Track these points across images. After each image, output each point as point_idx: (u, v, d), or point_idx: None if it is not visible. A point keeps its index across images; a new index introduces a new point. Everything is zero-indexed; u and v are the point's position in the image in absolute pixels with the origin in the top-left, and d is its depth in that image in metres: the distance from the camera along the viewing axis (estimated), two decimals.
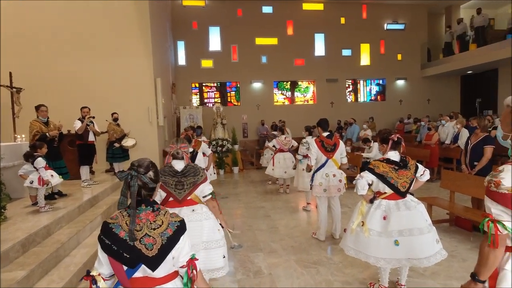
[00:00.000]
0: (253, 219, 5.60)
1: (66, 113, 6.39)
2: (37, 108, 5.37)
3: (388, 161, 2.90)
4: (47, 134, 5.15)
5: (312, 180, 4.45)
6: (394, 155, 2.92)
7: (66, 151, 6.34)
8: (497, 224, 1.37)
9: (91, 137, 5.87)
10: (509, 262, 1.42)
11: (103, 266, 1.49)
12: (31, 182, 4.15)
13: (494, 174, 1.42)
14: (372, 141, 7.83)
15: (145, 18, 8.25)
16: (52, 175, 4.37)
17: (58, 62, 7.77)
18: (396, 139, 2.93)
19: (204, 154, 5.50)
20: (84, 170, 5.79)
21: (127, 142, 7.05)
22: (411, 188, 2.93)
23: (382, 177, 2.85)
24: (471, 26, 13.42)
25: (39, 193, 4.20)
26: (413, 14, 15.45)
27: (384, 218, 2.84)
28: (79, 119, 5.75)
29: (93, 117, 5.86)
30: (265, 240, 4.60)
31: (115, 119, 7.23)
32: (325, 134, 4.41)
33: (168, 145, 2.98)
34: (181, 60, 14.15)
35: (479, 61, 12.41)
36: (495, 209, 1.40)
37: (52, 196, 4.75)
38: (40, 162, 4.24)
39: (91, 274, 1.48)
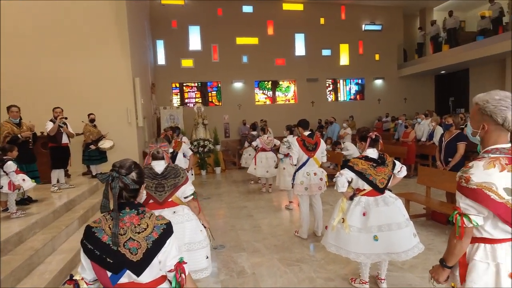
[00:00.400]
0: (236, 219, 5.58)
1: (41, 115, 6.09)
2: (8, 108, 5.12)
3: (367, 158, 2.96)
4: (19, 135, 4.93)
5: (293, 179, 4.49)
6: (372, 153, 2.99)
7: (39, 153, 6.07)
8: (463, 218, 1.45)
9: (64, 139, 5.64)
10: (478, 253, 1.49)
11: (86, 271, 1.44)
12: (1, 187, 3.94)
13: (465, 170, 1.48)
14: (342, 142, 8.59)
15: (122, 17, 8.02)
16: (24, 179, 4.16)
17: (33, 62, 7.41)
18: (374, 137, 3.00)
19: (184, 155, 5.41)
20: (55, 174, 5.52)
21: (104, 144, 6.84)
22: (389, 184, 3.01)
23: (361, 174, 2.91)
24: (443, 28, 13.95)
25: (9, 198, 4.00)
26: (389, 15, 15.89)
27: (364, 214, 2.90)
28: (51, 120, 5.51)
29: (66, 118, 5.63)
30: (248, 240, 4.59)
31: (92, 120, 7.01)
32: (307, 133, 4.46)
33: (148, 146, 2.92)
34: (161, 59, 13.87)
35: (451, 62, 12.94)
36: (463, 203, 1.47)
37: (24, 201, 4.54)
38: (10, 166, 4.04)
39: (74, 278, 1.43)
